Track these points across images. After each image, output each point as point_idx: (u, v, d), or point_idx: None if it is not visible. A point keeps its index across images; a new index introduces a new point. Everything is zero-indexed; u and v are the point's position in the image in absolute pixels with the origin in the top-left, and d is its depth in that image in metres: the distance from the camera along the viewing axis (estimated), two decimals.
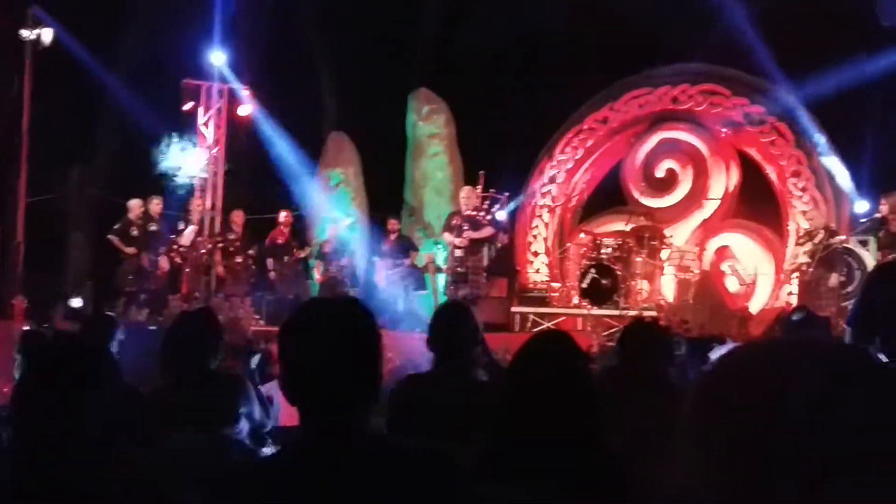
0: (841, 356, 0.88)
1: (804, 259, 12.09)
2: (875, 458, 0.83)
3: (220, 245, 13.82)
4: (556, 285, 14.44)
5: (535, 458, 2.24)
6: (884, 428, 0.83)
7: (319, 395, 1.80)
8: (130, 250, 12.87)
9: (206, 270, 13.84)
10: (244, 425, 3.89)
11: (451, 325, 3.70)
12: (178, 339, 3.94)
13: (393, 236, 13.89)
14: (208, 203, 14.85)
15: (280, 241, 13.90)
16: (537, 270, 15.17)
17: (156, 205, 13.23)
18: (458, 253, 12.26)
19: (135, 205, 13.07)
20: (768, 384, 0.86)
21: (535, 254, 15.35)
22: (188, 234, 13.49)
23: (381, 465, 1.77)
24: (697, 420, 0.91)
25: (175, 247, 13.31)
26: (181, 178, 14.08)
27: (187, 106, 14.85)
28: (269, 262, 13.80)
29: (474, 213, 12.41)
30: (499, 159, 13.87)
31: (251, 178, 15.02)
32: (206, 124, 15.23)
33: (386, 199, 15.86)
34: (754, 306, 13.24)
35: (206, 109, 15.20)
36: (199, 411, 3.78)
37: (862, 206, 12.57)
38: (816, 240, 11.81)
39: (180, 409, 3.79)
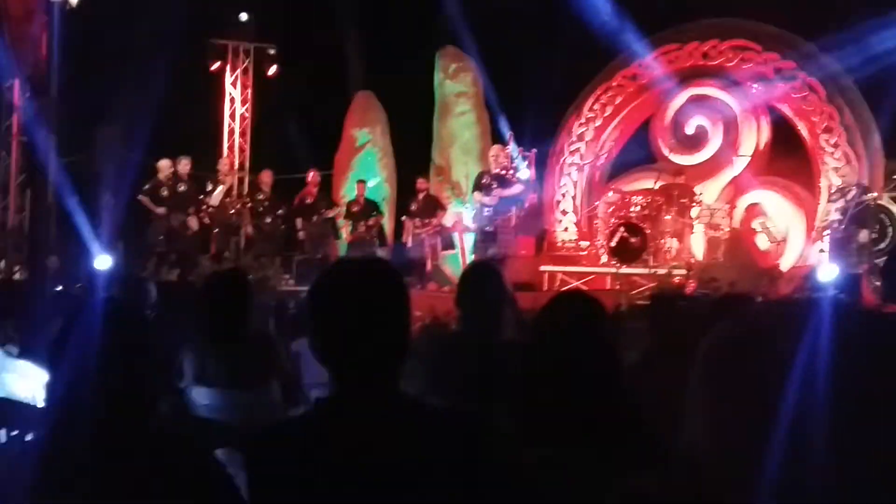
0: (848, 316, 0.88)
1: (836, 216, 11.96)
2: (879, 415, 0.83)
3: (249, 205, 13.90)
4: (584, 244, 14.41)
5: (559, 417, 2.26)
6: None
7: (350, 355, 1.81)
8: (160, 210, 12.97)
9: (236, 230, 13.93)
10: (276, 384, 3.94)
11: (479, 284, 3.70)
12: (210, 300, 3.97)
13: (421, 196, 13.89)
14: (236, 163, 14.90)
15: (308, 201, 13.94)
16: (566, 229, 15.13)
17: (184, 165, 13.29)
18: (487, 212, 12.26)
19: (164, 165, 13.15)
20: (775, 343, 0.87)
21: (564, 212, 15.29)
22: (217, 195, 13.56)
23: (413, 424, 1.79)
24: (707, 377, 0.92)
25: (204, 207, 13.39)
26: None
27: (214, 66, 14.86)
28: (298, 221, 13.86)
29: (503, 171, 12.38)
30: (528, 117, 13.79)
31: (280, 137, 15.01)
32: (233, 84, 15.24)
33: (413, 158, 15.83)
34: (785, 264, 13.14)
35: (234, 69, 15.20)
36: (232, 371, 3.83)
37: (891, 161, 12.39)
38: (848, 196, 11.68)
39: (214, 369, 3.83)
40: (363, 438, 1.76)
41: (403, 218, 14.17)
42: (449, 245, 14.00)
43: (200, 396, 3.75)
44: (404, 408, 1.83)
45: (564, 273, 13.04)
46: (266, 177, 13.92)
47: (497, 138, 14.35)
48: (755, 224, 13.51)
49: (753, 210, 13.76)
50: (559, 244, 14.72)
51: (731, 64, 14.12)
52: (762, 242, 13.38)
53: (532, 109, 14.15)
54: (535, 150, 13.99)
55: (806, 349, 0.83)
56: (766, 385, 0.84)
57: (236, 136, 16.04)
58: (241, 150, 16.10)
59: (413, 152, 16.07)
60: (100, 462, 1.80)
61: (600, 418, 2.23)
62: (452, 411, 1.86)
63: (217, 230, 13.66)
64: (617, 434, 2.24)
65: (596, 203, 14.50)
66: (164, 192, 13.06)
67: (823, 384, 0.82)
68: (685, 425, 0.94)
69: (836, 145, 13.26)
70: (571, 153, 15.28)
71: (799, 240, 13.57)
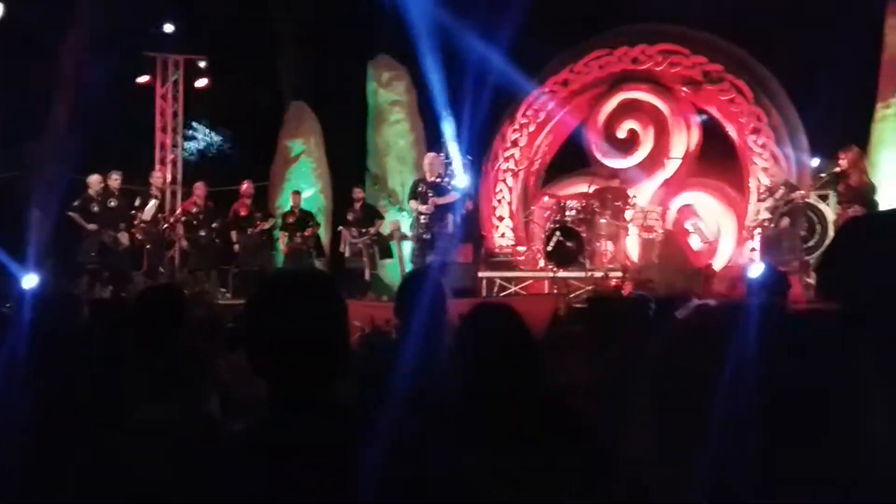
0: (785, 324, 0.90)
1: (765, 215, 12.20)
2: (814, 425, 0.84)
3: (183, 219, 13.71)
4: (521, 249, 14.50)
5: (491, 423, 2.27)
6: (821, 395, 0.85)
7: (286, 368, 1.80)
8: (91, 226, 12.73)
9: (170, 245, 13.73)
10: (213, 399, 3.88)
11: (417, 293, 3.70)
12: (143, 316, 3.91)
13: (357, 205, 13.84)
14: (169, 176, 14.71)
15: (243, 213, 13.81)
16: (503, 235, 15.21)
17: (115, 180, 13.06)
18: (424, 220, 12.26)
19: (94, 180, 12.91)
20: (712, 353, 0.88)
21: (500, 218, 15.37)
22: (149, 209, 13.36)
23: (349, 436, 1.78)
24: (651, 386, 0.92)
25: (136, 222, 13.18)
26: None
27: (143, 79, 14.66)
28: (233, 234, 13.71)
29: (438, 179, 12.40)
30: (462, 125, 13.82)
31: (212, 150, 14.86)
32: (164, 97, 15.05)
33: (349, 168, 15.78)
34: (718, 263, 13.37)
35: (164, 82, 15.01)
36: (168, 386, 3.76)
37: (818, 161, 12.69)
38: (777, 195, 11.91)
39: (149, 385, 3.77)
40: (300, 451, 1.74)
41: (340, 228, 14.11)
42: (387, 254, 13.98)
43: (135, 411, 3.68)
44: (341, 420, 1.82)
45: (503, 279, 13.09)
46: (199, 189, 13.76)
47: (432, 146, 14.38)
48: (687, 225, 13.73)
49: (685, 211, 13.99)
50: (497, 250, 14.79)
51: (660, 68, 14.35)
52: (695, 243, 13.60)
53: (466, 116, 14.20)
54: (470, 158, 14.04)
55: (735, 358, 0.84)
56: (705, 396, 0.85)
57: (168, 149, 15.84)
58: (174, 164, 15.88)
59: (348, 162, 16.03)
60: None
61: (530, 426, 2.25)
62: (389, 423, 1.85)
63: (150, 245, 13.45)
64: (551, 442, 2.25)
65: (532, 208, 14.60)
66: (95, 208, 12.82)
67: (753, 391, 0.83)
68: (630, 440, 0.94)
69: (763, 146, 13.55)
70: (506, 159, 15.37)
71: (730, 239, 13.83)
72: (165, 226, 13.63)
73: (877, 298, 1.60)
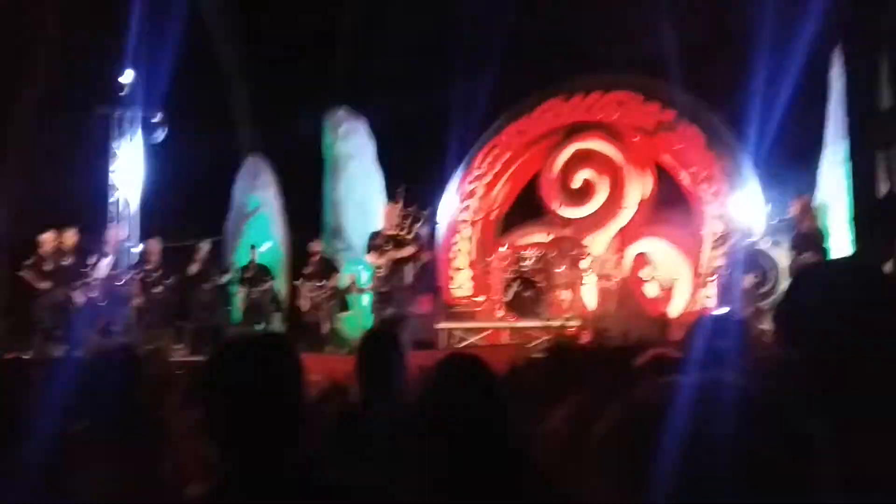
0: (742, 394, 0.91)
1: (720, 262, 12.35)
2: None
3: (138, 276, 13.57)
4: (479, 299, 14.51)
5: (455, 481, 2.26)
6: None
7: (242, 432, 1.78)
8: (44, 285, 12.55)
9: (125, 302, 13.56)
10: (169, 459, 3.82)
11: (376, 353, 3.70)
12: (97, 376, 3.85)
13: (315, 258, 13.80)
14: (123, 233, 14.57)
15: (199, 269, 13.70)
16: (460, 286, 15.21)
17: (70, 237, 12.92)
18: (382, 272, 12.25)
19: (47, 238, 12.76)
20: (660, 429, 0.88)
21: (458, 269, 15.39)
22: (104, 266, 13.20)
23: (308, 499, 1.76)
24: (602, 467, 0.93)
25: (90, 280, 13.02)
26: None
27: (98, 135, 14.58)
28: (189, 290, 13.60)
29: (396, 231, 12.42)
30: (419, 176, 13.90)
31: (167, 206, 14.75)
32: (119, 152, 14.96)
33: (306, 220, 15.74)
34: (674, 311, 13.47)
35: (119, 137, 14.94)
36: (121, 450, 3.70)
37: (770, 208, 12.88)
38: (730, 242, 12.08)
39: (101, 449, 3.70)
40: None
41: (297, 282, 14.04)
42: (345, 307, 13.92)
43: (88, 478, 3.61)
44: (297, 484, 1.80)
45: (461, 329, 13.09)
46: (153, 246, 13.65)
47: (389, 198, 14.41)
48: (643, 273, 13.84)
49: (641, 259, 14.11)
50: (455, 301, 14.79)
51: (613, 117, 14.55)
52: (651, 290, 13.71)
53: (423, 168, 14.28)
54: (428, 209, 14.08)
55: (689, 435, 0.85)
56: (655, 469, 0.86)
57: (122, 205, 15.69)
58: (128, 220, 15.73)
59: (306, 215, 15.98)
60: None
61: (495, 479, 2.24)
62: (347, 488, 1.83)
63: (105, 303, 13.28)
64: (515, 493, 2.25)
65: (489, 258, 14.64)
66: (48, 266, 12.66)
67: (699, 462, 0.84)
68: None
69: (716, 193, 13.74)
70: (463, 210, 15.43)
71: (686, 286, 13.96)
72: (120, 283, 13.47)
73: (836, 345, 1.63)
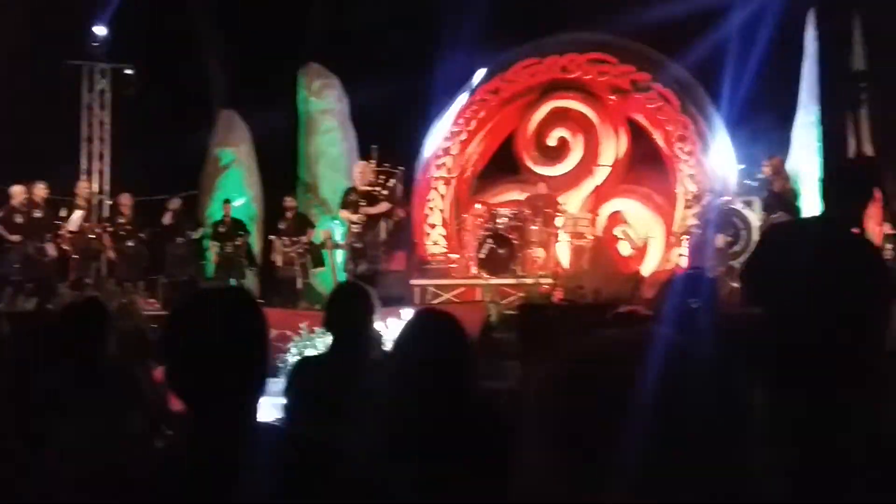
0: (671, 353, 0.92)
1: (693, 221, 12.43)
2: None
3: (110, 229, 13.49)
4: (454, 256, 14.54)
5: (422, 434, 2.29)
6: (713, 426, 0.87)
7: (205, 386, 1.79)
8: (15, 238, 12.45)
9: (96, 256, 13.49)
10: (137, 414, 3.84)
11: (346, 307, 3.72)
12: (66, 330, 3.85)
13: (289, 214, 13.76)
14: (95, 186, 14.46)
15: (171, 223, 13.64)
16: (435, 242, 15.23)
17: (40, 190, 12.79)
18: (356, 228, 12.24)
19: (17, 191, 12.63)
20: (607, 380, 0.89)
21: (433, 226, 15.39)
22: (75, 219, 13.11)
23: (272, 454, 1.78)
24: (540, 420, 0.94)
25: (62, 232, 12.93)
26: None
27: (69, 87, 14.42)
28: (163, 243, 13.55)
29: (370, 188, 12.39)
30: (393, 133, 13.83)
31: (139, 159, 14.61)
32: (90, 106, 14.81)
33: (281, 176, 15.66)
34: (646, 269, 13.57)
35: (90, 90, 14.77)
36: (91, 403, 3.71)
37: (743, 168, 12.95)
38: (704, 202, 12.14)
39: (71, 402, 3.71)
40: (220, 470, 1.73)
41: (272, 237, 14.00)
42: (319, 262, 13.91)
43: (56, 431, 3.62)
44: (262, 438, 1.81)
45: (435, 286, 13.12)
46: (125, 199, 13.55)
47: (363, 155, 14.35)
48: (617, 231, 13.93)
49: (615, 218, 14.18)
50: (429, 257, 14.82)
51: (588, 77, 14.54)
52: (624, 249, 13.80)
53: (399, 125, 14.22)
54: (401, 168, 14.04)
55: (636, 389, 0.86)
56: (598, 424, 0.87)
57: (94, 158, 15.56)
58: (100, 174, 15.62)
59: (280, 170, 15.90)
60: None
61: (455, 432, 2.27)
62: (309, 440, 1.85)
63: (76, 256, 13.20)
64: (475, 447, 2.28)
65: (464, 216, 14.65)
66: (19, 219, 12.54)
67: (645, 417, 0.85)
68: (520, 471, 0.94)
69: (690, 153, 13.81)
70: (438, 167, 15.41)
71: (659, 245, 14.05)
72: (92, 236, 13.39)
73: (799, 304, 1.64)
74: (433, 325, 2.68)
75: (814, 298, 1.62)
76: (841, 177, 3.89)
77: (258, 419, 1.84)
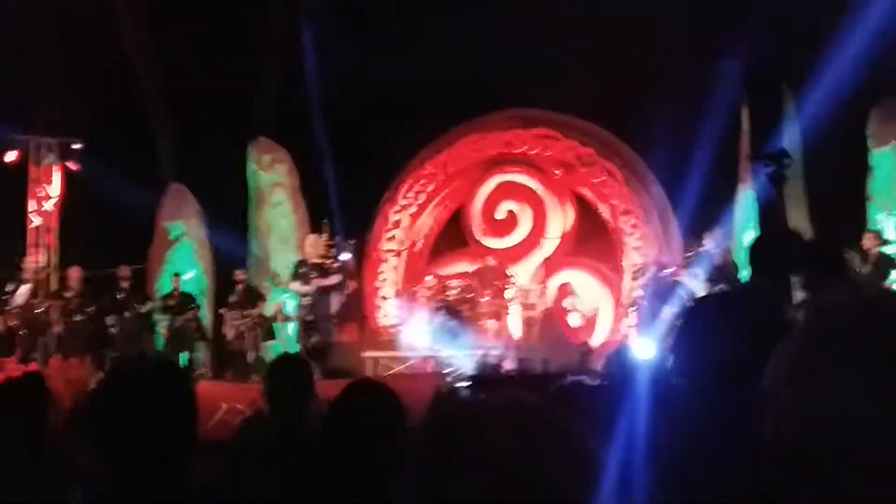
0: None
1: (640, 293, 12.62)
2: None
3: (58, 304, 13.35)
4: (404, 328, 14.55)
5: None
6: None
7: (131, 458, 1.83)
8: None
9: (44, 330, 13.32)
10: (77, 490, 3.81)
11: (282, 380, 3.77)
12: (4, 407, 3.84)
13: (240, 287, 13.75)
14: (42, 260, 14.34)
15: (120, 297, 13.54)
16: (386, 315, 15.26)
17: None
18: (307, 301, 12.27)
19: None
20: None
21: (384, 298, 15.45)
22: (22, 294, 12.97)
23: None
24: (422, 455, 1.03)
25: (8, 307, 12.78)
26: None
27: (16, 162, 14.39)
28: (110, 318, 13.41)
29: (321, 260, 12.45)
30: (343, 206, 13.95)
31: (88, 233, 14.54)
32: (37, 180, 14.77)
33: (231, 249, 15.63)
34: (596, 339, 13.71)
35: (37, 164, 14.74)
36: (30, 478, 3.69)
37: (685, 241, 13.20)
38: (649, 274, 12.35)
39: (10, 477, 3.68)
40: None
41: (222, 310, 13.95)
42: (270, 335, 13.86)
43: None
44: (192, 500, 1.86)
45: (386, 358, 13.12)
46: (74, 273, 13.45)
47: (314, 228, 14.42)
48: (566, 303, 14.08)
49: (564, 289, 14.35)
50: (380, 329, 14.83)
51: (534, 151, 14.82)
52: (573, 320, 13.95)
53: (348, 199, 14.34)
54: (353, 240, 14.12)
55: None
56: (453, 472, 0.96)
57: (42, 232, 15.45)
58: (48, 247, 15.49)
59: (230, 243, 15.87)
60: None
61: None
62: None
63: (24, 331, 13.03)
64: None
65: (415, 288, 14.73)
66: None
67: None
68: None
69: (635, 226, 14.07)
70: (388, 240, 15.51)
71: (608, 316, 14.22)
72: (39, 310, 13.24)
73: (720, 376, 1.72)
74: (363, 398, 2.73)
75: (733, 369, 1.69)
76: (765, 248, 4.04)
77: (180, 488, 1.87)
